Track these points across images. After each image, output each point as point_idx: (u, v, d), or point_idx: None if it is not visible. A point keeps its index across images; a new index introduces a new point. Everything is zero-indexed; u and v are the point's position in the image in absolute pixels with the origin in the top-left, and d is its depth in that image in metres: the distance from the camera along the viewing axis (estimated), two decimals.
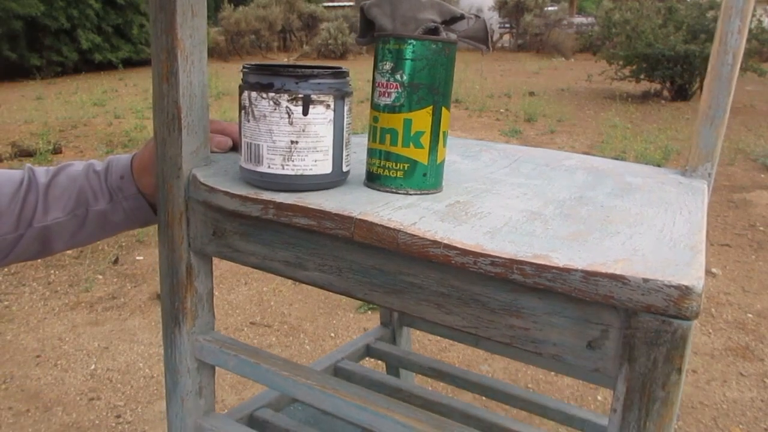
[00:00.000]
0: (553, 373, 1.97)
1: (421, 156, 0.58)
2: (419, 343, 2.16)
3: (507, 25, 16.82)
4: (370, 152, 0.61)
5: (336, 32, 13.81)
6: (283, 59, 13.74)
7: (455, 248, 0.48)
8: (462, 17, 0.60)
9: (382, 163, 0.59)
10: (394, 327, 1.21)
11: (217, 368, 0.74)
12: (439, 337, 2.04)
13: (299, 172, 0.57)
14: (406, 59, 0.55)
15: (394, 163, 0.59)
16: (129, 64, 12.04)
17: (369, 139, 0.61)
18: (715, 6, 7.39)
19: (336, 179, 0.60)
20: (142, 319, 2.34)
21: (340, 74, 0.57)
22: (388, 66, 0.56)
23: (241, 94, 0.58)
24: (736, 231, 3.31)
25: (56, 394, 1.87)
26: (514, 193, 0.64)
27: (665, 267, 0.44)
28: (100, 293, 2.56)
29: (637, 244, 0.49)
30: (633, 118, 6.59)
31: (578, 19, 16.77)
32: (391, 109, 0.57)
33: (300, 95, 0.55)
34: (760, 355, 2.13)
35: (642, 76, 7.72)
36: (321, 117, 0.56)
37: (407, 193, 0.60)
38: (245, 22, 14.48)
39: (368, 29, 0.63)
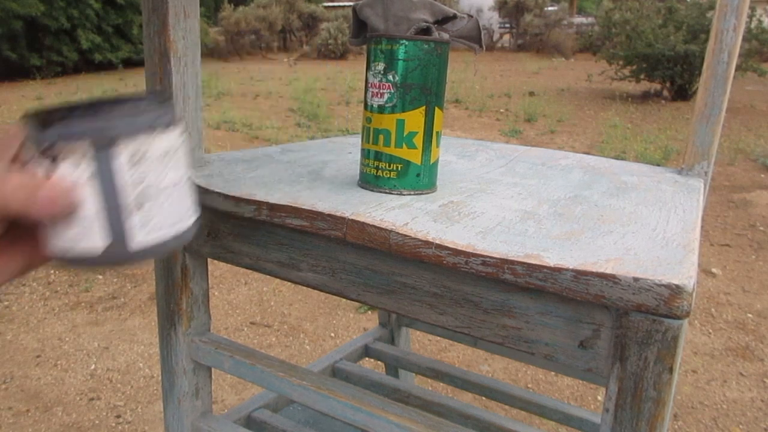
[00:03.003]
0: (553, 373, 1.97)
1: (415, 156, 0.58)
2: (419, 343, 2.16)
3: (507, 25, 16.79)
4: (364, 153, 0.61)
5: (336, 32, 13.79)
6: (283, 59, 13.73)
7: (447, 248, 0.48)
8: (454, 17, 0.60)
9: (375, 164, 0.59)
10: (392, 327, 1.21)
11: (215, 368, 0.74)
12: (438, 338, 2.04)
13: (63, 251, 0.39)
14: (399, 60, 0.55)
15: (387, 164, 0.59)
16: (129, 64, 12.04)
17: (362, 140, 0.61)
18: (715, 6, 7.37)
19: (116, 258, 0.39)
20: (142, 319, 2.34)
21: (108, 107, 0.38)
22: (380, 66, 0.56)
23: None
24: (736, 231, 3.31)
25: (56, 394, 1.87)
26: (509, 192, 0.64)
27: (656, 266, 0.44)
28: (100, 293, 2.56)
29: (629, 243, 0.49)
30: (633, 118, 6.58)
31: (578, 19, 16.74)
32: (384, 109, 0.57)
33: (45, 146, 0.38)
34: (760, 355, 2.12)
35: (642, 76, 7.71)
36: (75, 175, 0.38)
37: (401, 194, 0.60)
38: (245, 22, 14.49)
39: (361, 30, 0.63)
